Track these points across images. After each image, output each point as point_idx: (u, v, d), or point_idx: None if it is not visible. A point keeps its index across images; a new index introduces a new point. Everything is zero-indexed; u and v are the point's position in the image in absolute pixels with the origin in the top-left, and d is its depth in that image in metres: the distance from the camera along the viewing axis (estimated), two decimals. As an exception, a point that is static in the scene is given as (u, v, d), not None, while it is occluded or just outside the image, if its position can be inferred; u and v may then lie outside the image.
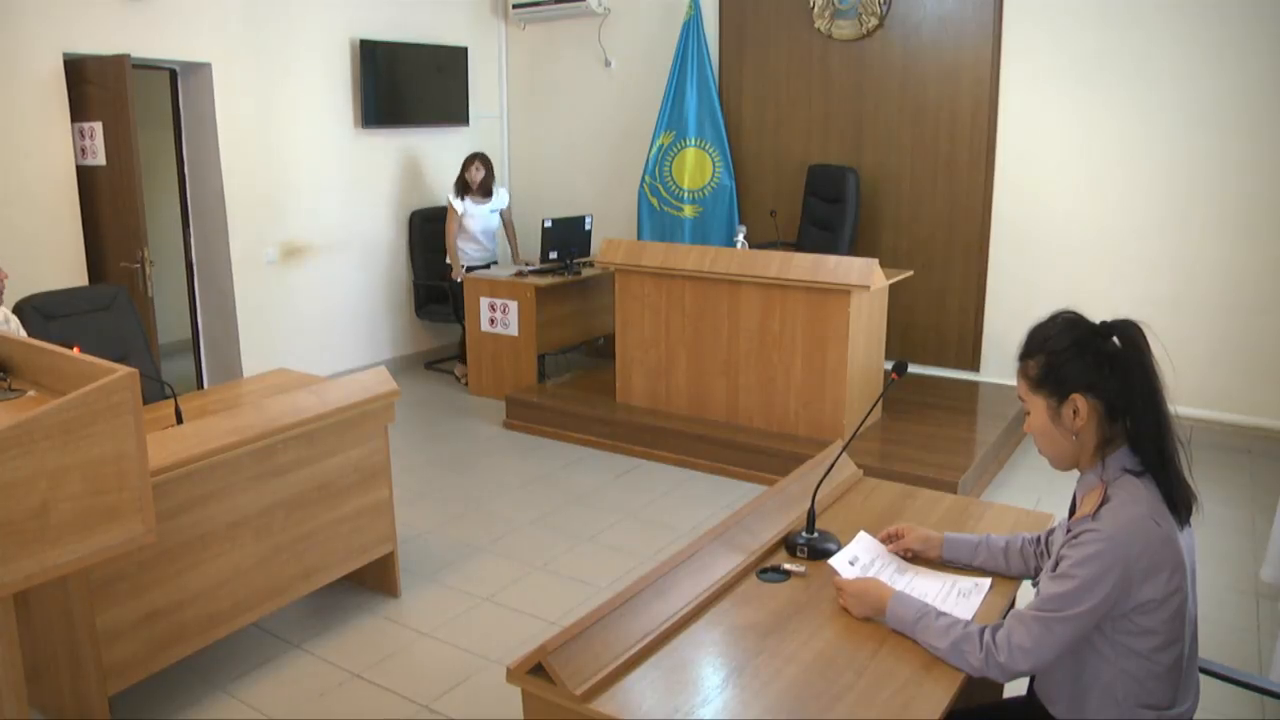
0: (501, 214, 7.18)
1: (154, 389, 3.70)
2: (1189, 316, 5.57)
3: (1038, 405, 1.96)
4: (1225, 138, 5.34)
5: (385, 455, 3.75)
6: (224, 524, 3.13)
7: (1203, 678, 2.06)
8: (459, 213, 6.86)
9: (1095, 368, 1.88)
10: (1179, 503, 1.85)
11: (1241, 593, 3.96)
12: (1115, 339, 1.88)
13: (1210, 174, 5.43)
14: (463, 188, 6.87)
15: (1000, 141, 6.09)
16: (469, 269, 6.94)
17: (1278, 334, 5.39)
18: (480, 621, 3.74)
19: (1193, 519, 1.91)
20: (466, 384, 7.01)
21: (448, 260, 6.99)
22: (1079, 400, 1.90)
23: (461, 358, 7.18)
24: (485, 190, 6.93)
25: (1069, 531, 1.92)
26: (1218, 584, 4.01)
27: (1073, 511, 2.03)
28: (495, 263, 7.20)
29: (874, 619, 2.05)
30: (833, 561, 2.24)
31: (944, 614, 1.97)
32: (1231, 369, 5.53)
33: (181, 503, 2.96)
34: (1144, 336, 1.85)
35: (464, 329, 6.90)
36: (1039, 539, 2.25)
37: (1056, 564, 1.88)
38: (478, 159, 6.87)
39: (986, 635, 1.89)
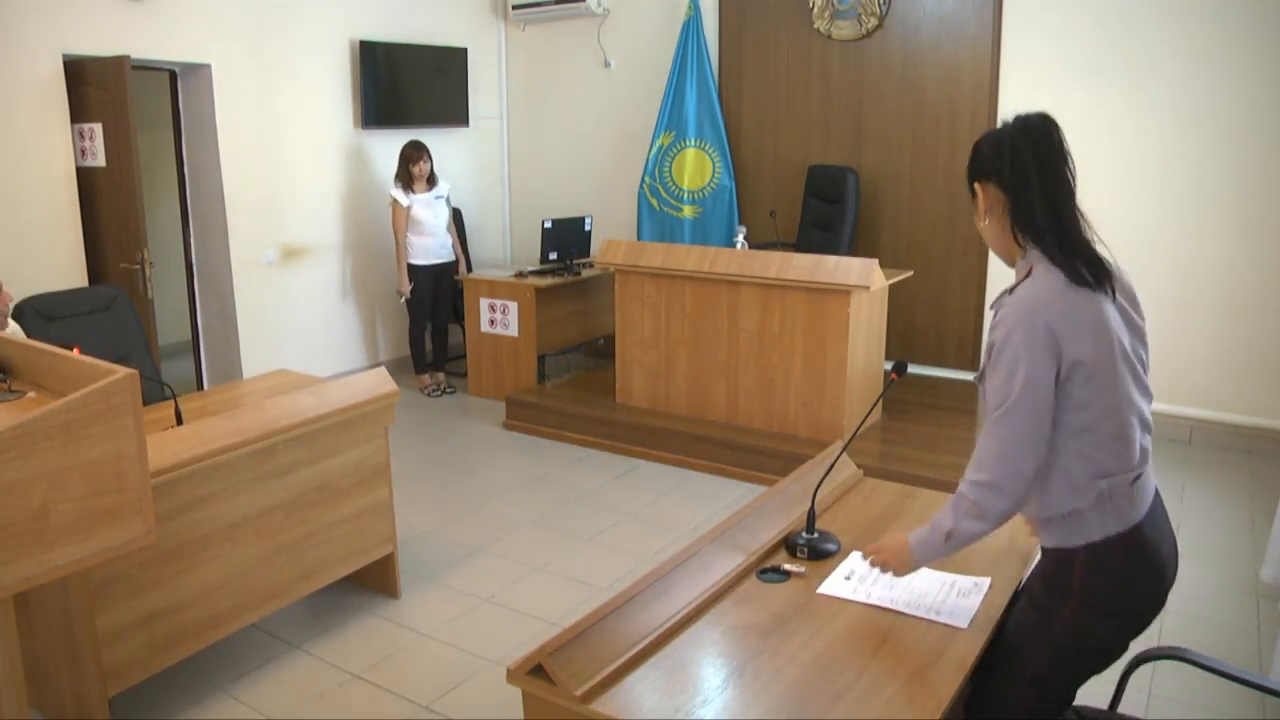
0: (448, 203, 6.82)
1: (154, 390, 3.70)
2: (1188, 317, 5.57)
3: (974, 201, 2.06)
4: (1222, 139, 5.34)
5: (385, 456, 3.75)
6: (224, 525, 3.13)
7: (1203, 676, 2.08)
8: (405, 206, 6.51)
9: (992, 158, 1.98)
10: (1093, 276, 1.91)
11: (1242, 592, 3.96)
12: (1017, 129, 1.95)
13: (1207, 174, 5.42)
14: (405, 181, 6.57)
15: (1000, 142, 6.08)
16: (428, 266, 6.67)
17: (1277, 334, 5.39)
18: (480, 622, 3.74)
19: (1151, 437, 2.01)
20: (431, 393, 6.91)
21: (400, 281, 6.69)
22: (979, 187, 2.02)
23: (418, 367, 6.96)
24: (430, 180, 6.66)
25: (991, 312, 2.03)
26: (1218, 583, 4.02)
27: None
28: (456, 270, 6.94)
29: (917, 567, 2.13)
30: (828, 582, 2.25)
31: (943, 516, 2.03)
32: (1231, 369, 5.52)
33: (182, 504, 2.97)
34: (1039, 127, 1.93)
35: (422, 337, 6.77)
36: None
37: (989, 355, 1.96)
38: (424, 150, 6.54)
39: (962, 486, 1.98)
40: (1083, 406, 1.90)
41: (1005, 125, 1.98)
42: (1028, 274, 1.96)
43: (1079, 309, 1.88)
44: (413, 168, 6.48)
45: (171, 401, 3.39)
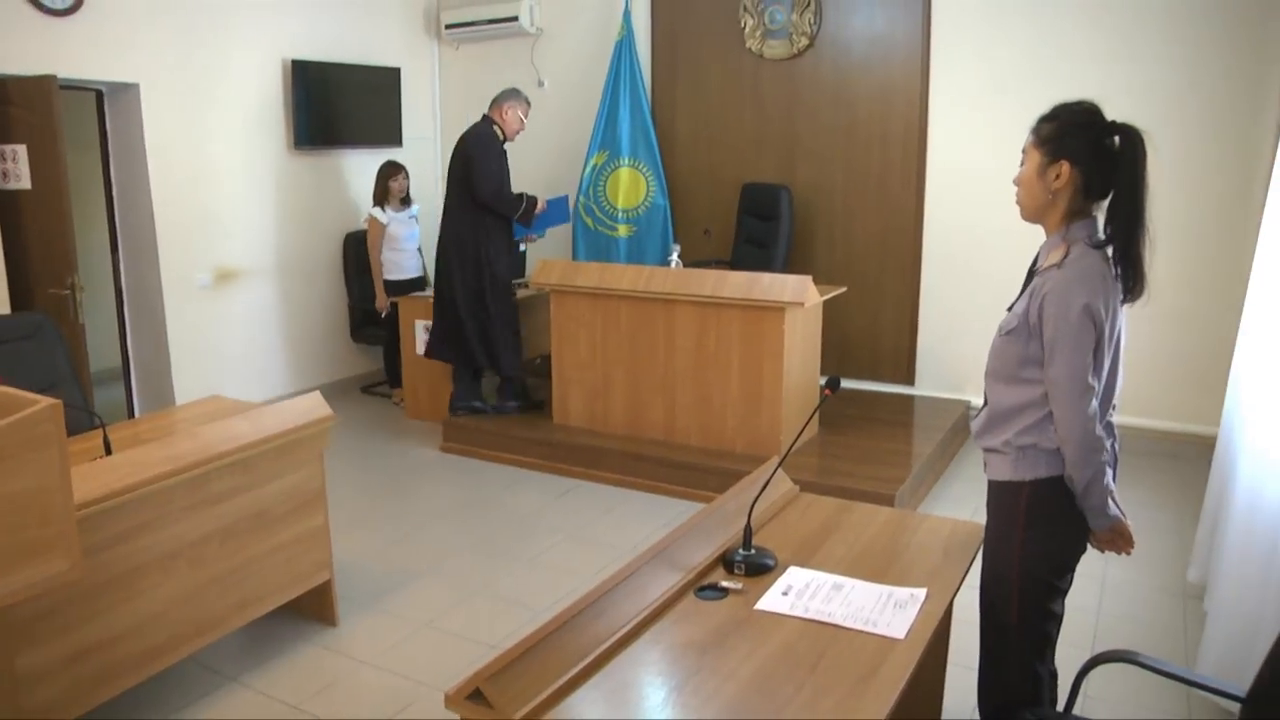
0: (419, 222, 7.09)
1: (82, 419, 3.62)
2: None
3: (1034, 158, 2.31)
4: (1152, 149, 5.48)
5: (321, 481, 3.71)
6: (157, 556, 3.06)
7: (1134, 672, 2.18)
8: (384, 224, 6.76)
9: (1089, 147, 2.24)
10: (1128, 278, 2.23)
11: (1170, 593, 4.07)
12: (1117, 137, 2.23)
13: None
14: (382, 198, 6.79)
15: (931, 159, 6.22)
16: (404, 280, 6.87)
17: (1202, 342, 5.54)
18: (420, 648, 3.71)
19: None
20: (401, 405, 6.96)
21: (378, 298, 6.85)
22: (1064, 166, 2.25)
23: (393, 381, 7.11)
24: (406, 198, 6.91)
25: (1031, 283, 2.33)
26: (1148, 585, 4.13)
27: (1031, 271, 2.41)
28: (427, 282, 7.08)
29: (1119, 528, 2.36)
30: (766, 597, 2.27)
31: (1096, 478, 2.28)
32: (1160, 377, 5.66)
33: (111, 536, 2.90)
34: (1142, 144, 2.20)
35: (398, 352, 6.84)
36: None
37: (1037, 326, 2.25)
38: (402, 168, 6.84)
39: (1059, 432, 2.27)
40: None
41: (1116, 124, 2.24)
42: (1066, 251, 2.25)
43: (1111, 293, 2.21)
44: (392, 183, 6.75)
45: (100, 430, 3.32)
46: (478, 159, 5.82)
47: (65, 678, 2.84)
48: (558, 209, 6.21)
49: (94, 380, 5.84)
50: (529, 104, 6.10)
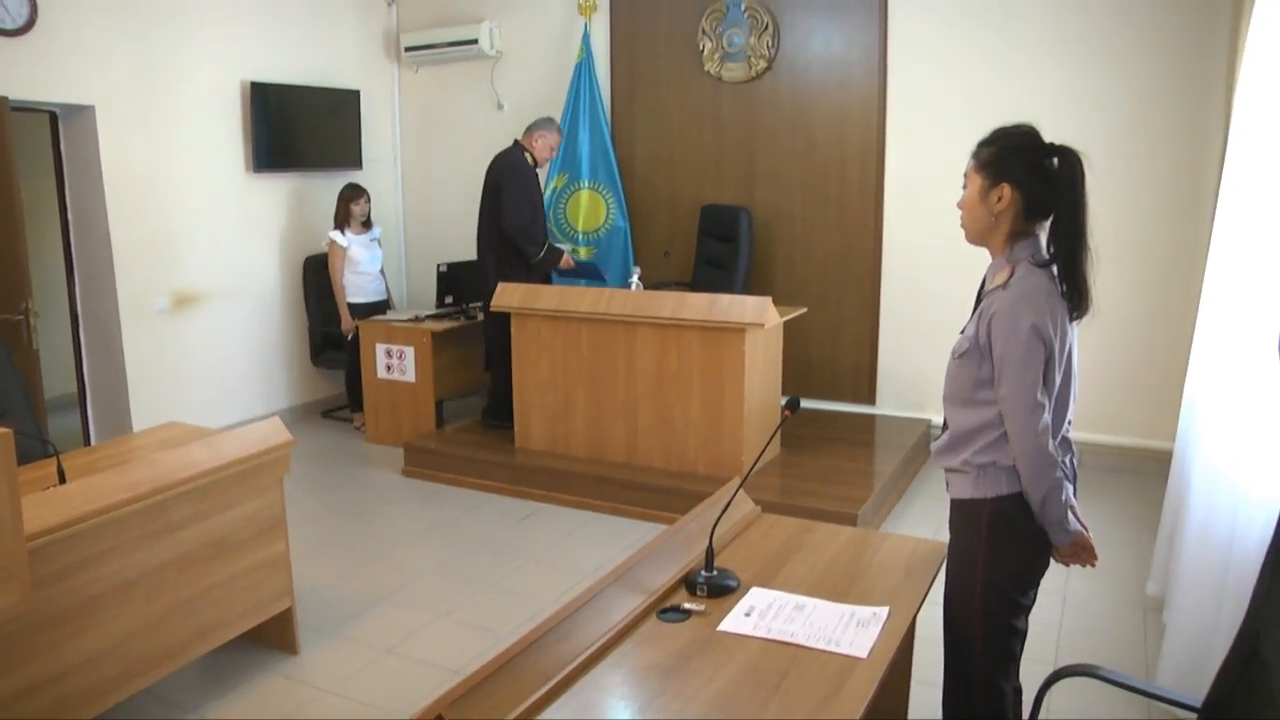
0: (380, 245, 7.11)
1: (35, 447, 3.57)
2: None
3: (975, 182, 2.36)
4: (1101, 171, 5.58)
5: (281, 508, 3.68)
6: (112, 586, 3.01)
7: (1096, 685, 2.19)
8: (344, 247, 6.75)
9: (1028, 169, 2.30)
10: (1073, 296, 2.27)
11: (1131, 606, 4.13)
12: (1056, 158, 2.28)
13: (1091, 202, 5.66)
14: (343, 221, 6.77)
15: (888, 179, 6.29)
16: (366, 304, 6.86)
17: (1159, 358, 5.63)
18: (382, 675, 3.67)
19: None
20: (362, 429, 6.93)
21: (343, 321, 6.85)
22: (1005, 188, 2.31)
23: (355, 405, 7.07)
24: (367, 221, 6.90)
25: (979, 305, 2.39)
26: (1107, 598, 4.19)
27: (980, 293, 2.45)
28: (389, 306, 7.13)
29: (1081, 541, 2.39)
30: (729, 619, 2.27)
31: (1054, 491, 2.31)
32: (1118, 393, 5.75)
33: (65, 566, 2.84)
34: (1080, 165, 2.26)
35: (359, 376, 6.80)
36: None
37: (987, 346, 2.30)
38: (363, 191, 6.83)
39: (1013, 450, 2.30)
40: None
41: (1054, 146, 2.29)
42: (1011, 272, 2.31)
43: (1058, 310, 2.25)
44: (353, 206, 6.74)
45: (54, 459, 3.27)
46: (508, 189, 5.87)
47: (14, 714, 2.77)
48: (587, 271, 6.24)
49: (49, 407, 5.77)
50: (561, 135, 6.17)
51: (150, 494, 3.07)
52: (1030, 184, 2.29)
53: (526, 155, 6.01)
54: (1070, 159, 2.27)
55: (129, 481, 3.05)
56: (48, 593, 2.77)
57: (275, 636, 3.80)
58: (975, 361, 2.33)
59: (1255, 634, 1.91)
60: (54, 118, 5.84)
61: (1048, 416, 2.27)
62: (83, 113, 5.77)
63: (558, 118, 7.01)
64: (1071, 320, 2.31)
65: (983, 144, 2.37)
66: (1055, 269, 2.28)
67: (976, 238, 2.41)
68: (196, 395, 6.50)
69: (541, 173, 6.86)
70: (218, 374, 6.69)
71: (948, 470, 2.47)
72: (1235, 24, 4.26)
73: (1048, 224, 2.33)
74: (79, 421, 6.23)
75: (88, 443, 6.12)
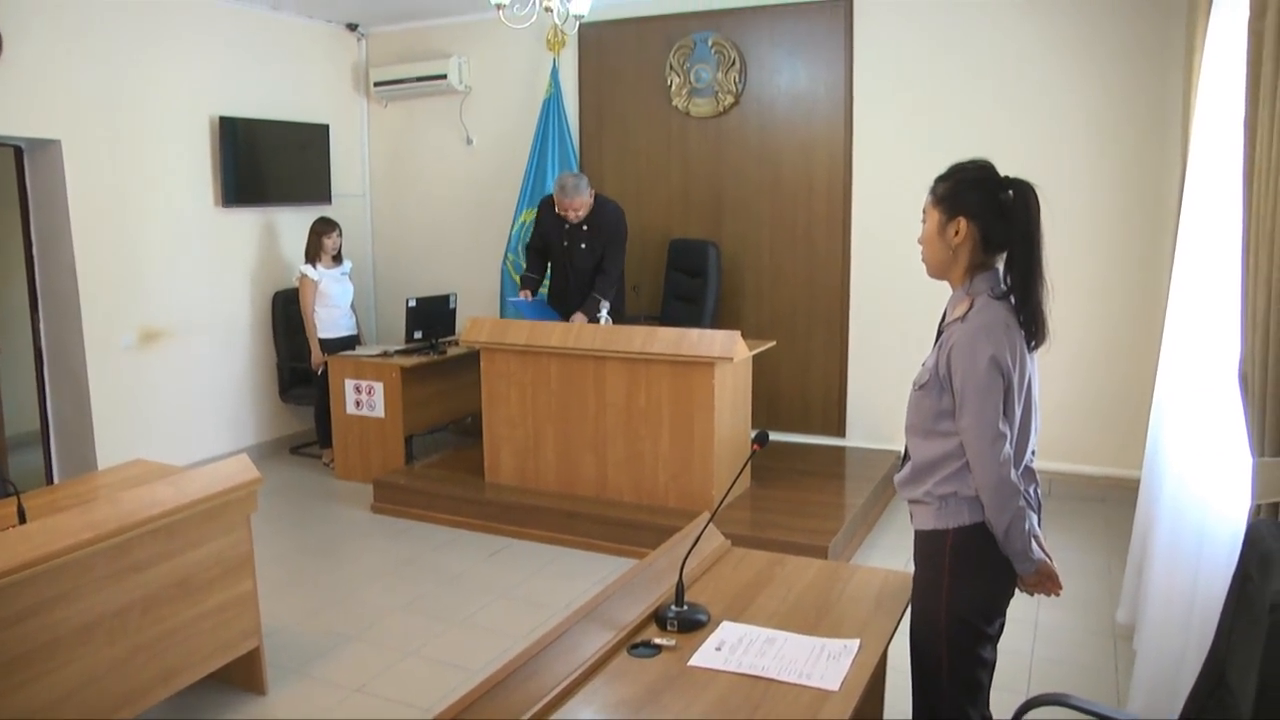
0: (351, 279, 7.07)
1: (-4, 486, 3.51)
2: (1043, 373, 5.84)
3: (933, 217, 2.40)
4: (1065, 198, 5.62)
5: (248, 546, 3.64)
6: (74, 628, 2.96)
7: (1066, 713, 2.24)
8: (315, 281, 6.72)
9: (984, 203, 2.33)
10: (1030, 326, 2.31)
11: (1100, 634, 4.16)
12: (1011, 191, 2.32)
13: (1052, 233, 5.73)
14: (315, 255, 6.75)
15: (855, 213, 6.35)
16: (337, 339, 6.83)
17: (1124, 388, 5.70)
18: (351, 714, 3.63)
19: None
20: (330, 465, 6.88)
21: (314, 355, 6.82)
22: (962, 222, 2.34)
23: (324, 441, 7.03)
24: (338, 255, 6.88)
25: (940, 337, 2.41)
26: (1078, 627, 4.22)
27: (941, 325, 2.48)
28: (359, 340, 7.11)
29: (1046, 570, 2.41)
30: (699, 653, 2.27)
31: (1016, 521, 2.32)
32: (1084, 423, 5.81)
33: (24, 608, 2.79)
34: (1035, 197, 2.30)
35: (329, 411, 6.76)
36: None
37: (947, 378, 2.32)
38: (336, 225, 6.80)
39: (975, 480, 2.31)
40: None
41: (1009, 179, 2.33)
42: (970, 304, 2.34)
43: (1016, 341, 2.29)
44: (326, 239, 6.71)
45: (14, 498, 3.22)
46: (618, 241, 6.09)
47: (-27, 759, 2.72)
48: (530, 310, 6.26)
49: (10, 444, 5.69)
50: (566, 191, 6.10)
51: (114, 533, 3.03)
52: (986, 217, 2.32)
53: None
54: (1024, 192, 2.30)
55: (92, 521, 3.00)
56: (6, 636, 2.72)
57: (243, 677, 3.75)
58: (935, 393, 2.36)
59: (1222, 660, 1.93)
60: (19, 152, 5.81)
61: (1009, 447, 2.29)
62: (49, 147, 5.74)
63: (526, 153, 7.06)
64: (1030, 350, 2.34)
65: (940, 179, 2.42)
66: (1013, 300, 2.32)
67: (936, 271, 2.45)
68: (163, 432, 6.43)
69: (505, 206, 6.92)
70: (185, 410, 6.63)
71: (910, 501, 2.49)
72: (1189, 60, 4.35)
73: (1006, 256, 2.36)
74: (41, 459, 6.14)
75: (50, 481, 6.03)
